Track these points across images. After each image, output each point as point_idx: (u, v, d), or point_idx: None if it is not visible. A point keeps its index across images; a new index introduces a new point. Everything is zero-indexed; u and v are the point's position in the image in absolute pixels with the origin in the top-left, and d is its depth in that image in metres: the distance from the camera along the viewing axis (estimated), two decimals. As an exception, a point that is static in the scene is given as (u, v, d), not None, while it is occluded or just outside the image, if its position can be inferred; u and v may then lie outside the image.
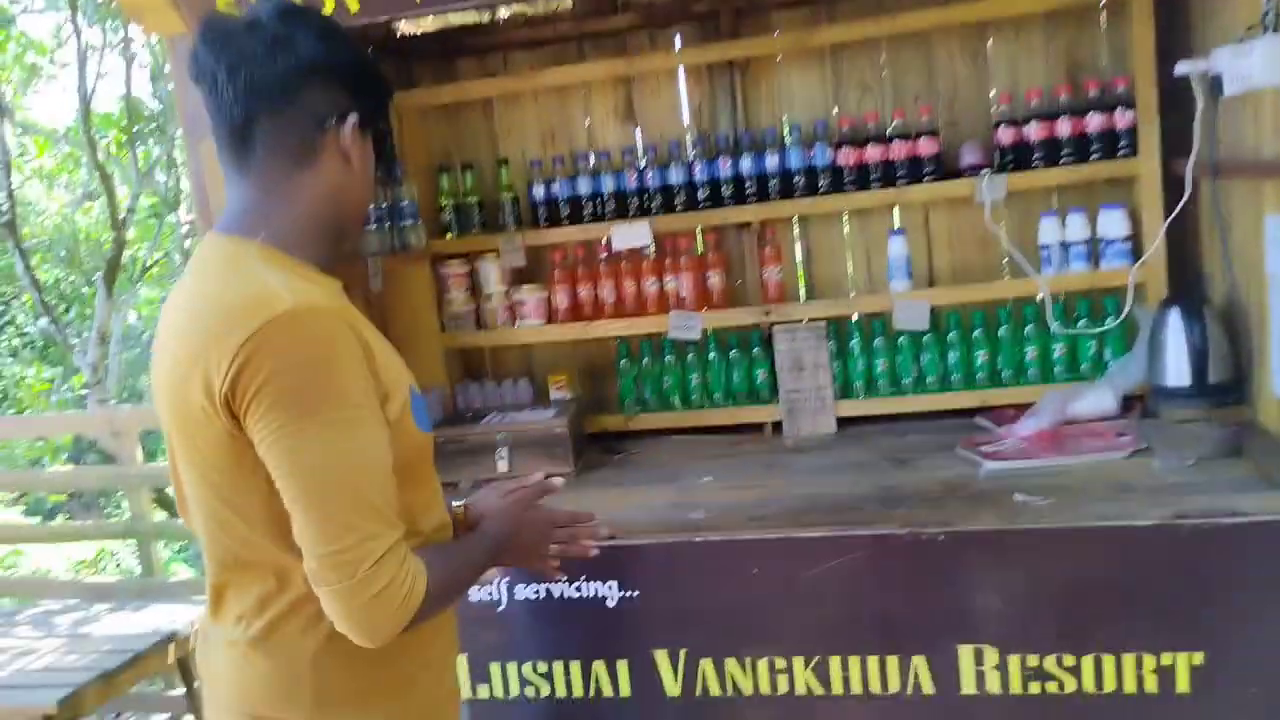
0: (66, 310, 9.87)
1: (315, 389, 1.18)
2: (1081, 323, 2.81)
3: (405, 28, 3.27)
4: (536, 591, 2.31)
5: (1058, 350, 2.83)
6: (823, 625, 2.19)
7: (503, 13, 3.23)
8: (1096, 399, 2.60)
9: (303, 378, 1.17)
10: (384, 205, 2.97)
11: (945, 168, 2.91)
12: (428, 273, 3.14)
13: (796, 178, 2.95)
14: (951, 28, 2.94)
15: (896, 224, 3.06)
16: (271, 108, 1.30)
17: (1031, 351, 2.85)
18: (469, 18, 3.24)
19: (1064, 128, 2.77)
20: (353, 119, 1.35)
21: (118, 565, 8.03)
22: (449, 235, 3.17)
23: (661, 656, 2.27)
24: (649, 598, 2.26)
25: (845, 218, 3.13)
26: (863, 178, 2.91)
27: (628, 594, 2.27)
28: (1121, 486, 2.22)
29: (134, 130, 8.65)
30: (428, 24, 3.27)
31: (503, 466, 2.78)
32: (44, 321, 9.08)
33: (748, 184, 2.97)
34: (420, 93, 3.17)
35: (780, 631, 2.21)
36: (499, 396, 3.17)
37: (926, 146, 2.86)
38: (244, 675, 1.36)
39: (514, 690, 2.35)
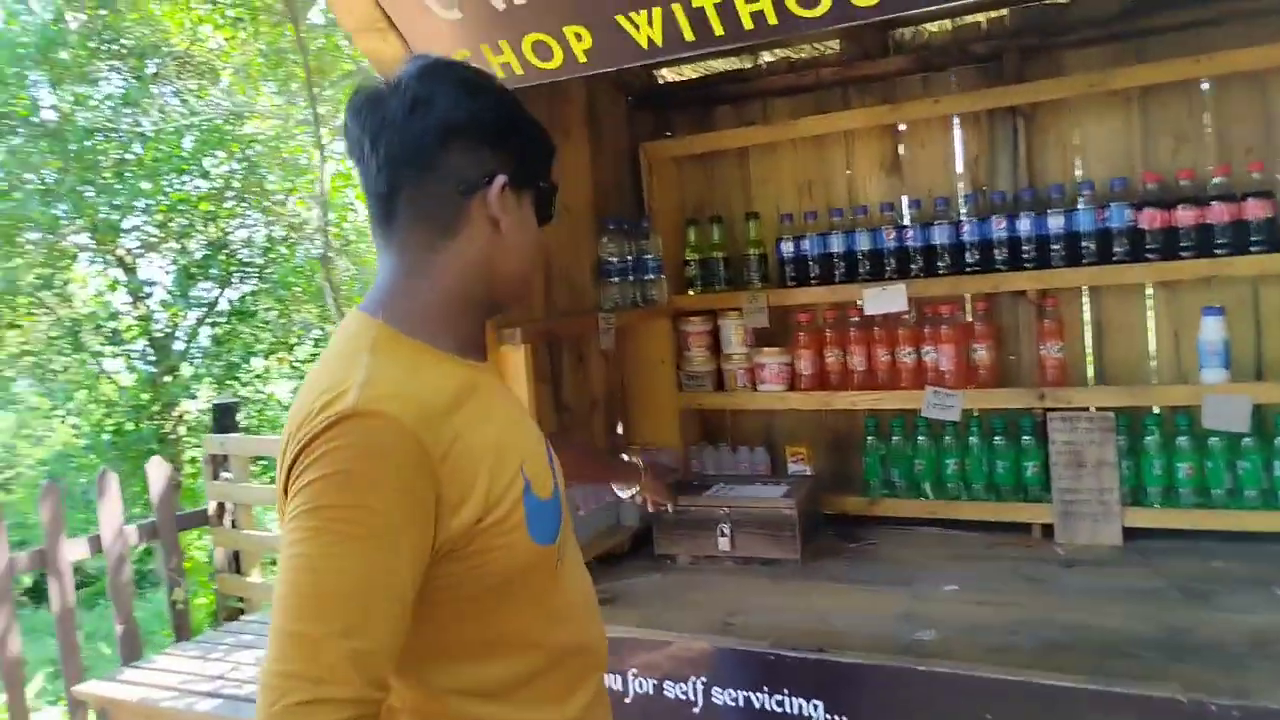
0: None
1: (337, 498, 1.03)
2: None
3: (667, 75, 3.20)
4: (734, 697, 2.08)
5: None
6: (1068, 796, 1.79)
7: (766, 58, 3.07)
8: None
9: (333, 481, 1.03)
10: (628, 259, 2.88)
11: (1282, 236, 2.39)
12: (668, 328, 3.01)
13: (1086, 242, 2.53)
14: (1299, 65, 2.42)
15: (1214, 301, 2.54)
16: (413, 175, 1.19)
17: (1392, 470, 2.25)
18: (731, 63, 3.11)
19: None
20: (500, 180, 1.20)
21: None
22: (692, 291, 3.03)
23: (870, 795, 1.96)
24: (859, 725, 1.97)
25: (1149, 290, 2.65)
26: (1170, 245, 2.45)
27: (835, 717, 1.98)
28: None
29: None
30: (688, 71, 3.17)
31: (724, 545, 2.58)
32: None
33: (1025, 247, 2.59)
34: (672, 143, 3.06)
35: (1015, 793, 1.84)
36: (734, 464, 2.97)
37: (1256, 209, 2.36)
38: None
39: (704, 802, 2.13)
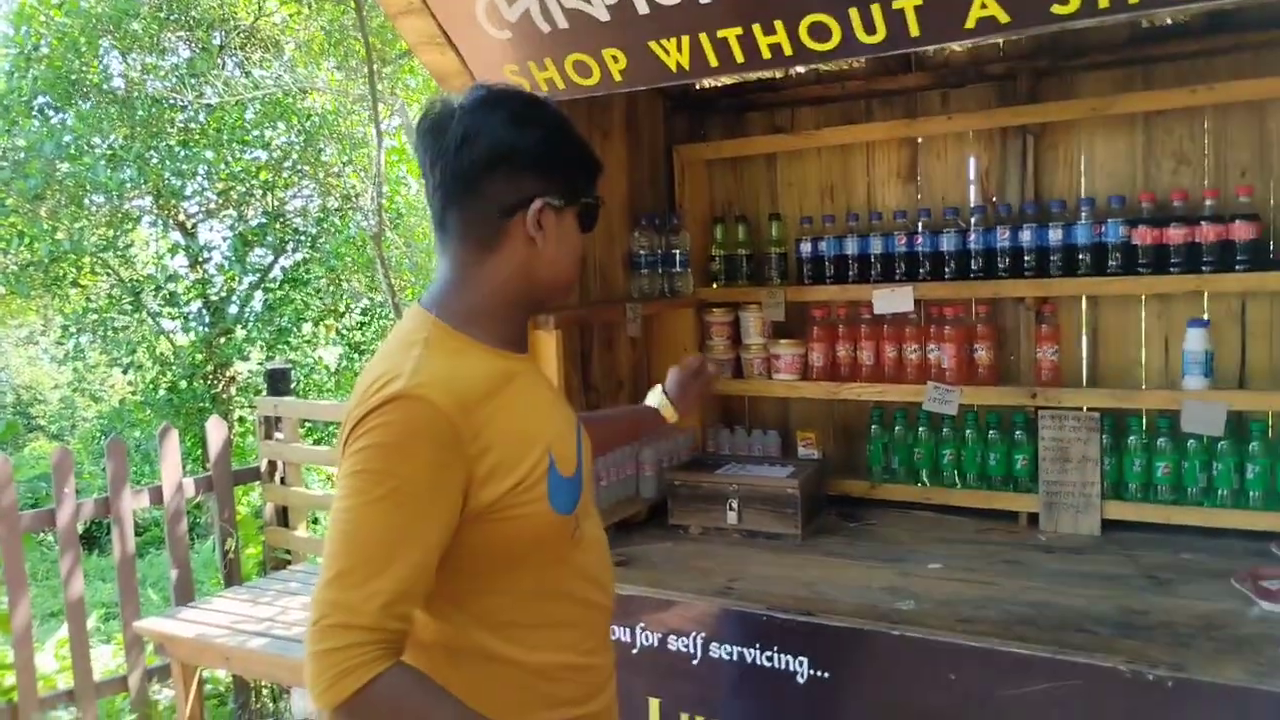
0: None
1: (378, 464, 1.26)
2: None
3: (704, 81, 3.40)
4: (729, 652, 2.32)
5: (1386, 482, 2.39)
6: (1019, 751, 2.01)
7: (797, 68, 3.27)
8: None
9: (375, 454, 1.27)
10: (658, 252, 3.11)
11: (1271, 256, 2.56)
12: (692, 318, 3.24)
13: (1083, 254, 2.72)
14: (1295, 97, 2.58)
15: (1202, 313, 2.72)
16: (461, 198, 1.39)
17: (1351, 478, 2.43)
18: (763, 73, 3.31)
19: None
20: (537, 204, 1.38)
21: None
22: (716, 284, 3.26)
23: (846, 744, 2.20)
24: (840, 681, 2.20)
25: (1143, 301, 2.83)
26: (1161, 260, 2.63)
27: (818, 673, 2.22)
28: None
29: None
30: (723, 78, 3.37)
31: (732, 518, 2.81)
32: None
33: (1027, 257, 2.79)
34: (704, 146, 3.28)
35: (973, 747, 2.06)
36: (747, 446, 3.20)
37: (1242, 231, 2.53)
38: None
39: (700, 745, 2.38)
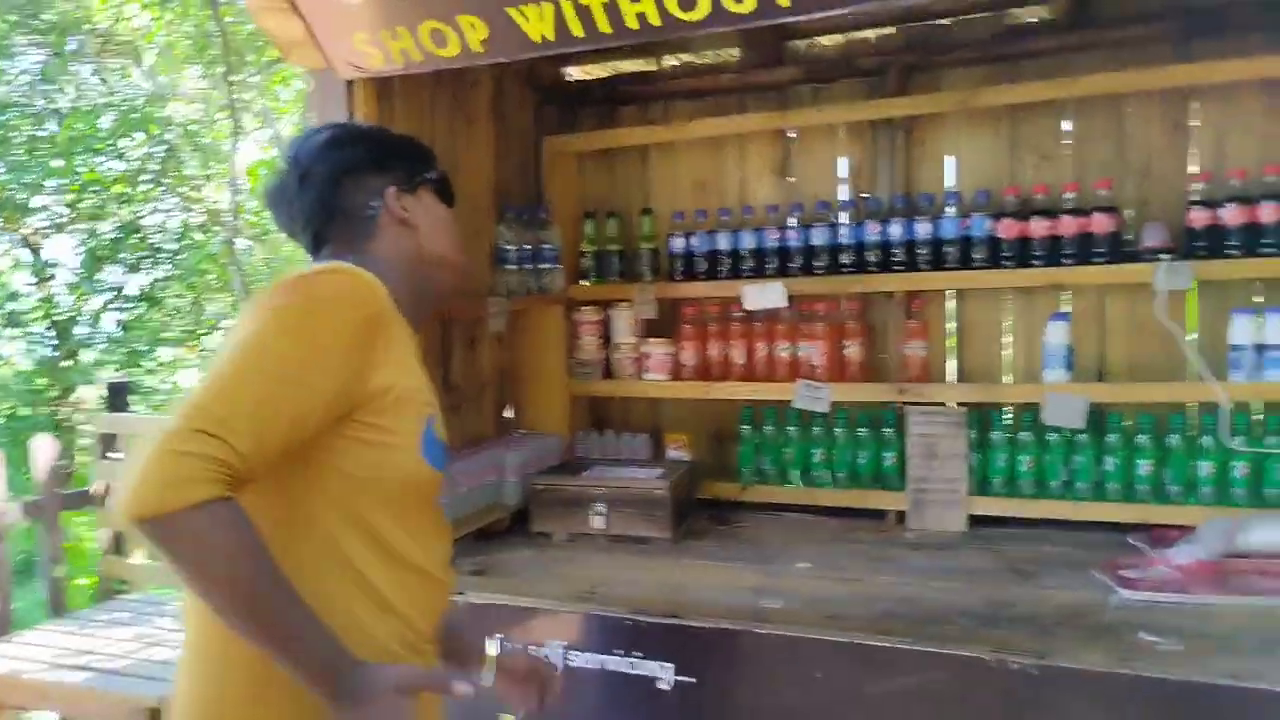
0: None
1: (299, 314, 1.25)
2: (1272, 440, 2.39)
3: (574, 73, 3.31)
4: (591, 660, 2.18)
5: (1239, 469, 2.42)
6: (890, 749, 1.93)
7: (670, 61, 3.20)
8: (1274, 531, 2.19)
9: (300, 304, 1.25)
10: (526, 247, 2.98)
11: (1126, 249, 2.59)
12: (561, 316, 3.11)
13: (949, 248, 2.71)
14: (1150, 93, 2.64)
15: (1064, 307, 2.74)
16: (326, 224, 1.47)
17: (1207, 467, 2.45)
18: (637, 65, 3.23)
19: (1269, 213, 2.39)
20: (390, 191, 1.48)
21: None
22: (586, 281, 3.14)
23: (714, 752, 2.08)
24: (707, 685, 2.08)
25: (1008, 296, 2.84)
26: (1025, 254, 2.64)
27: (684, 678, 2.09)
28: (1283, 642, 1.84)
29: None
30: (596, 71, 3.29)
31: (599, 523, 2.68)
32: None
33: (896, 251, 2.76)
34: (574, 138, 3.18)
35: (843, 747, 1.97)
36: (616, 449, 3.08)
37: (1101, 224, 2.55)
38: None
39: (560, 759, 2.23)
